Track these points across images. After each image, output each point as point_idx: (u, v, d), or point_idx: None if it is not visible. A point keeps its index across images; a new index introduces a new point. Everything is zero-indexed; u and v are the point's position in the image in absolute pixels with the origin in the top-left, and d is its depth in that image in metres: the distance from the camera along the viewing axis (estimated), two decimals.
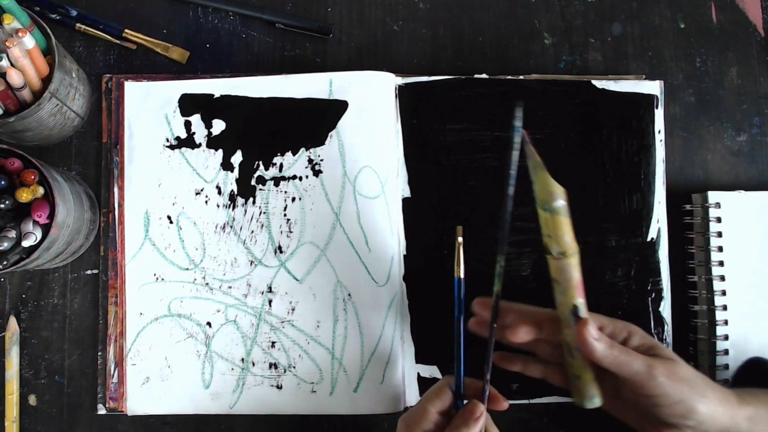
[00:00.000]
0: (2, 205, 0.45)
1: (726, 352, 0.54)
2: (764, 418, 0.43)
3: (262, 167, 0.56)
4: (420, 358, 0.55)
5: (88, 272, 0.56)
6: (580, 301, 0.42)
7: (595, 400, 0.44)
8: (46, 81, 0.49)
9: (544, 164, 0.40)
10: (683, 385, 0.41)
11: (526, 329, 0.45)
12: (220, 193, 0.55)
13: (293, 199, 0.55)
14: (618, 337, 0.44)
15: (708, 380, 0.43)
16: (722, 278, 0.55)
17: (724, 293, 0.55)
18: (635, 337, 0.44)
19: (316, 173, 0.55)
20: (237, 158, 0.56)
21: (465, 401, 0.45)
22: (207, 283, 0.55)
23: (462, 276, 0.46)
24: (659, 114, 0.57)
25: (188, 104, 0.56)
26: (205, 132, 0.56)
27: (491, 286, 0.44)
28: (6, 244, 0.45)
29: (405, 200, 0.56)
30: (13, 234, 0.45)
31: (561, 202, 0.40)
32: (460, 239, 0.46)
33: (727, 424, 0.42)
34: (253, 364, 0.54)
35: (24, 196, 0.45)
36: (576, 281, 0.42)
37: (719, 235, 0.55)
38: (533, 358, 0.48)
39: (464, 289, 0.46)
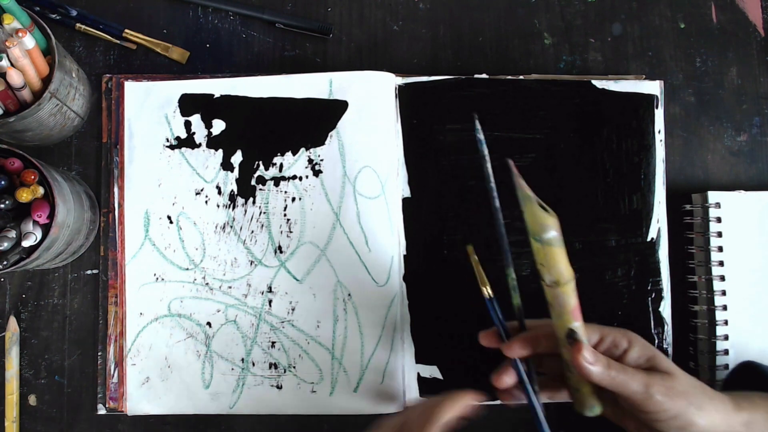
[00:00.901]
0: (2, 205, 0.45)
1: (726, 352, 0.54)
2: (761, 422, 0.43)
3: (262, 167, 0.56)
4: (420, 358, 0.55)
5: (88, 272, 0.56)
6: (576, 324, 0.41)
7: (595, 410, 0.44)
8: (46, 81, 0.49)
9: (535, 194, 0.38)
10: (681, 400, 0.41)
11: (520, 344, 0.44)
12: (220, 193, 0.55)
13: (293, 199, 0.55)
14: (618, 348, 0.44)
15: (706, 389, 0.43)
16: (722, 278, 0.55)
17: (724, 293, 0.55)
18: (635, 348, 0.44)
19: (316, 173, 0.55)
20: (237, 158, 0.56)
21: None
22: (207, 283, 0.55)
23: (491, 294, 0.45)
24: (659, 114, 0.57)
25: (188, 104, 0.56)
26: (205, 132, 0.56)
27: (507, 298, 0.45)
28: (6, 244, 0.45)
29: (405, 200, 0.56)
30: (13, 234, 0.45)
31: (552, 233, 0.38)
32: (475, 257, 0.45)
33: (725, 431, 0.42)
34: (253, 364, 0.54)
35: (24, 196, 0.45)
36: (571, 307, 0.41)
37: (719, 235, 0.55)
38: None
39: (497, 304, 0.46)
